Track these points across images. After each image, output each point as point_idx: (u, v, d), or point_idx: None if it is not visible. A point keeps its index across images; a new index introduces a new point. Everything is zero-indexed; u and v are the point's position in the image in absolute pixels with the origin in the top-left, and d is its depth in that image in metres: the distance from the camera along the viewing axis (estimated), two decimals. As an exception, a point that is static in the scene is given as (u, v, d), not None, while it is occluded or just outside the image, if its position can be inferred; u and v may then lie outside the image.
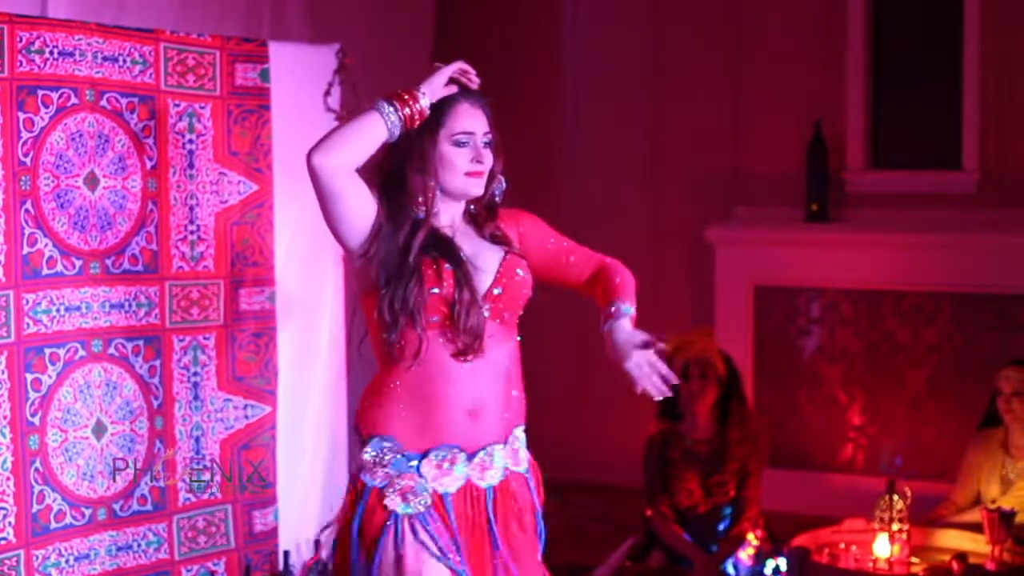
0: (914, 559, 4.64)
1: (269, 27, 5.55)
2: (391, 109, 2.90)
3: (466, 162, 2.98)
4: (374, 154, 2.95)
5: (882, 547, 4.63)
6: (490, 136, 3.01)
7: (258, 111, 4.49)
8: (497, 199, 3.09)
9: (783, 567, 4.79)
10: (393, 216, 2.96)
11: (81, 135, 4.01)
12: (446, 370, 2.95)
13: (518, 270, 3.05)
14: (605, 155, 7.02)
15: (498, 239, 3.08)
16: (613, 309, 3.01)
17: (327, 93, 4.66)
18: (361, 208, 2.94)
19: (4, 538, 3.81)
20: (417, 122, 2.92)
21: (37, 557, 3.91)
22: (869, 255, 6.43)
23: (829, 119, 6.52)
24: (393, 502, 2.95)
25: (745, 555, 4.90)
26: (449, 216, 3.04)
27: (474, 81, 3.01)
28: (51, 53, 3.90)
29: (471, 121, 2.99)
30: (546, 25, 7.18)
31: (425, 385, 2.95)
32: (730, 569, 4.91)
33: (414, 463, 2.96)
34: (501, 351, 3.01)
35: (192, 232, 4.36)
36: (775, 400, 6.60)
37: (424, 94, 2.93)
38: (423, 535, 2.93)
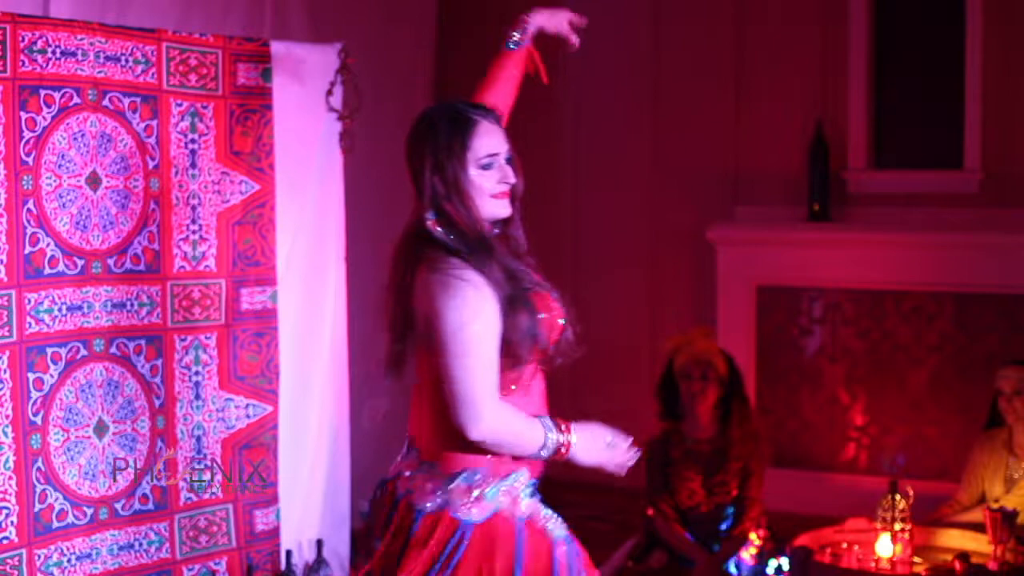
0: (916, 559, 4.63)
1: (271, 27, 5.56)
2: (553, 434, 2.79)
3: (493, 184, 2.80)
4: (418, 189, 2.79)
5: (884, 547, 4.63)
6: (511, 153, 2.85)
7: (260, 111, 4.49)
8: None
9: (785, 567, 4.78)
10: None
11: (83, 135, 4.01)
12: (542, 395, 2.88)
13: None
14: (606, 156, 7.02)
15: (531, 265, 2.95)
16: None
17: (329, 93, 4.66)
18: None
19: (6, 537, 3.81)
20: (563, 453, 2.81)
21: (39, 556, 3.91)
22: (871, 255, 6.43)
23: (831, 119, 6.51)
24: (556, 528, 2.87)
25: (747, 555, 4.90)
26: None
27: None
28: (53, 53, 3.90)
29: (494, 140, 2.81)
30: (546, 25, 7.17)
31: (530, 412, 2.83)
32: (732, 569, 4.90)
33: (530, 489, 2.86)
34: None
35: (194, 232, 4.36)
36: (777, 400, 6.59)
37: (574, 435, 2.82)
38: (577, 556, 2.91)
